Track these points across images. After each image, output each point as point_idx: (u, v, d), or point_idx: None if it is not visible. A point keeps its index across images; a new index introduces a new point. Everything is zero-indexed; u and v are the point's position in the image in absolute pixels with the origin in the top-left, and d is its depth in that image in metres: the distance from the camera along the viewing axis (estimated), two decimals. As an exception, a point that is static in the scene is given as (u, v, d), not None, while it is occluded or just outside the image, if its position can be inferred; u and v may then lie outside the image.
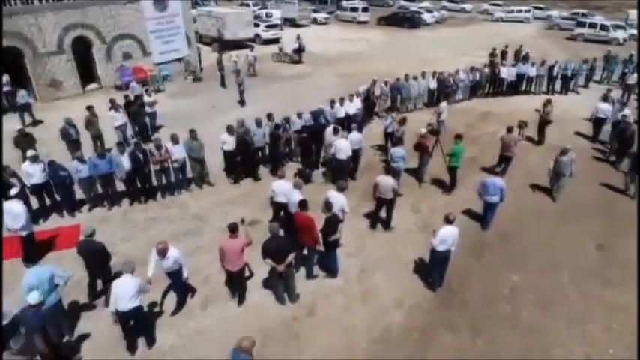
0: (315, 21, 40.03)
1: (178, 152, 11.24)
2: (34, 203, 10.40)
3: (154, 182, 11.45)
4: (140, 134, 14.58)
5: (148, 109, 15.09)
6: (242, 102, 18.09)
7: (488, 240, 9.91)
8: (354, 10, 41.68)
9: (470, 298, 8.27)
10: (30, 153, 10.19)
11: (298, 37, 26.30)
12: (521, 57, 22.00)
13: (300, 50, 25.68)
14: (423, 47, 30.22)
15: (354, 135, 11.90)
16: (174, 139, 11.18)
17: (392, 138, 12.82)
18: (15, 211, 8.55)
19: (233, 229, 7.38)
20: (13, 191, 8.89)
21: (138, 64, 20.31)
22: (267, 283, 8.41)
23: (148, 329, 7.38)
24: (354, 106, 14.65)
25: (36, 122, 15.85)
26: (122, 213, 10.85)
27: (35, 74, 18.18)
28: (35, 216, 10.21)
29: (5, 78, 16.73)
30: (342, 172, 11.35)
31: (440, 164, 12.19)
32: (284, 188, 9.36)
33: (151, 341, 7.26)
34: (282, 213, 9.62)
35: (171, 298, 8.08)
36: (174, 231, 10.02)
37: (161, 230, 10.01)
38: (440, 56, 26.27)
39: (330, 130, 12.12)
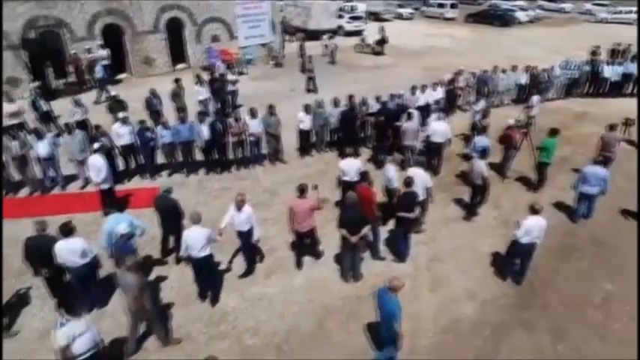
0: (399, 16, 39.30)
1: (255, 126, 11.41)
2: (121, 165, 11.10)
3: (230, 155, 11.76)
4: (221, 110, 15.00)
5: (230, 86, 15.58)
6: (310, 89, 17.91)
7: (579, 243, 8.93)
8: (441, 6, 40.26)
9: (553, 300, 7.46)
10: (120, 115, 10.83)
11: (382, 29, 25.86)
12: (629, 56, 19.78)
13: (382, 42, 25.22)
14: (513, 45, 28.41)
15: (440, 125, 11.31)
16: (253, 113, 11.36)
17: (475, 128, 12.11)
18: (97, 164, 9.13)
19: (302, 190, 7.55)
20: (96, 145, 9.47)
21: (224, 47, 21.01)
22: (332, 259, 8.25)
23: (214, 286, 7.51)
24: (435, 95, 14.01)
25: (110, 97, 16.51)
26: (198, 180, 11.21)
27: (132, 51, 19.46)
28: (120, 176, 10.86)
29: (106, 52, 18.05)
30: (435, 155, 11.11)
31: (526, 161, 11.26)
32: (353, 166, 9.12)
33: (214, 299, 7.36)
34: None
35: (239, 263, 8.16)
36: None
37: (233, 199, 10.13)
38: (532, 55, 24.45)
39: (409, 115, 11.63)
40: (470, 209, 9.66)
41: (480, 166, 8.98)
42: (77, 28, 17.77)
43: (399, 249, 8.29)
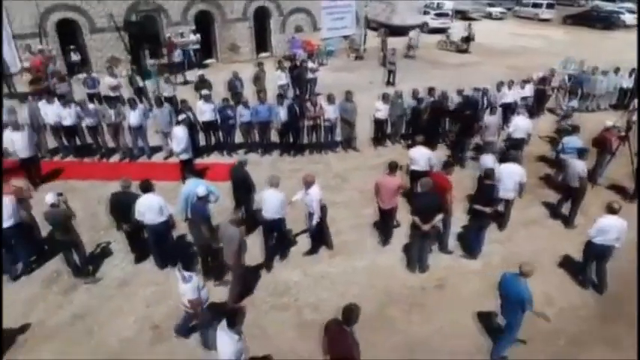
0: (489, 15, 37.52)
1: (332, 112, 11.46)
2: (202, 140, 11.66)
3: (305, 138, 11.91)
4: (299, 96, 15.22)
5: (309, 74, 15.76)
6: (389, 83, 17.65)
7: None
8: (536, 6, 37.80)
9: (644, 317, 6.72)
10: (203, 92, 11.37)
11: (469, 26, 24.84)
12: None
13: (468, 39, 24.22)
14: (616, 49, 25.94)
15: (522, 120, 10.65)
16: (330, 99, 11.42)
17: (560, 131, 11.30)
18: (178, 135, 9.64)
19: (392, 168, 7.55)
20: (180, 117, 10.00)
21: (307, 37, 21.32)
22: (399, 247, 8.07)
23: (281, 250, 7.81)
24: (523, 93, 13.19)
25: (186, 82, 17.06)
26: (272, 161, 11.47)
27: (220, 37, 20.37)
28: (200, 150, 11.41)
29: (197, 37, 19.06)
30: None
31: (622, 169, 10.28)
32: (424, 155, 8.88)
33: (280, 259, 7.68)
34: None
35: (305, 241, 8.24)
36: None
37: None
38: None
39: (492, 110, 11.06)
40: (555, 212, 8.99)
41: (577, 166, 8.33)
42: (173, 14, 18.93)
43: (471, 244, 7.90)
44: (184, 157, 9.78)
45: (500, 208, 8.40)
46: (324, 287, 7.28)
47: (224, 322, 4.63)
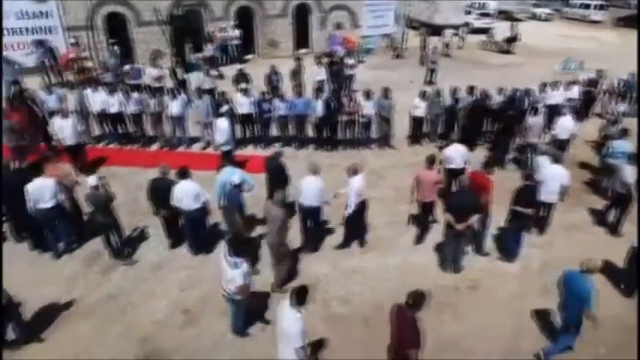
0: (534, 16, 36.34)
1: (369, 108, 11.36)
2: (239, 132, 11.78)
3: (341, 134, 11.86)
4: (336, 92, 15.18)
5: (347, 71, 15.70)
6: (430, 82, 17.32)
7: None
8: (586, 7, 36.33)
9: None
10: (242, 85, 11.50)
11: (513, 26, 24.13)
12: None
13: (513, 40, 23.53)
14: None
15: (567, 121, 10.22)
16: (368, 95, 11.32)
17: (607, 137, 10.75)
18: (221, 126, 9.81)
19: (431, 161, 7.55)
20: (224, 108, 10.13)
21: (346, 35, 21.24)
22: (433, 246, 7.93)
23: (316, 238, 7.83)
24: (569, 95, 12.65)
25: (220, 75, 16.98)
26: (307, 155, 11.47)
27: (261, 33, 20.60)
28: (237, 142, 11.54)
29: (238, 32, 19.34)
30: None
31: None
32: (460, 152, 8.71)
33: (314, 249, 7.75)
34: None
35: (337, 235, 8.21)
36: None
37: (337, 176, 10.14)
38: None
39: (535, 110, 10.64)
40: (600, 218, 8.58)
41: (627, 172, 7.93)
42: (216, 9, 19.28)
43: (509, 246, 7.63)
44: (225, 148, 9.93)
45: (542, 211, 8.10)
46: (356, 281, 7.22)
47: (287, 301, 4.67)
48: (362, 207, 7.66)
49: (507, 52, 23.44)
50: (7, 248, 7.46)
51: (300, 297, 4.62)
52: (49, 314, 6.42)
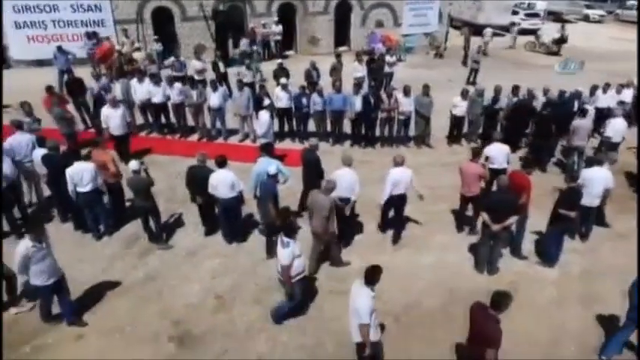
0: (586, 18, 34.82)
1: (407, 105, 11.22)
2: (277, 126, 11.81)
3: (377, 130, 11.75)
4: (375, 89, 15.07)
5: (387, 68, 15.57)
6: (471, 82, 16.85)
7: None
8: (642, 8, 34.51)
9: None
10: (282, 81, 11.58)
11: (562, 27, 23.25)
12: None
13: (561, 41, 22.65)
14: None
15: (620, 123, 9.76)
16: (406, 91, 11.18)
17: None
18: (263, 119, 9.96)
19: (475, 153, 7.64)
20: (267, 102, 10.31)
21: (386, 33, 21.05)
22: (467, 246, 7.76)
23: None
24: (620, 98, 12.05)
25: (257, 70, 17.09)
26: (342, 150, 11.40)
27: (301, 29, 20.72)
28: (276, 136, 11.64)
29: (279, 29, 19.53)
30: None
31: None
32: (502, 151, 8.48)
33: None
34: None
35: (369, 230, 8.20)
36: (382, 176, 9.85)
37: (373, 171, 10.09)
38: None
39: (583, 112, 10.24)
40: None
41: None
42: (258, 5, 19.54)
43: (549, 251, 7.35)
44: (265, 140, 10.04)
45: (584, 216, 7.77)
46: (386, 278, 7.04)
47: (360, 280, 4.83)
48: (401, 201, 7.65)
49: (555, 53, 22.57)
50: (53, 228, 7.83)
51: (373, 276, 4.79)
52: (90, 291, 6.69)
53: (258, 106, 11.00)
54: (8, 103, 13.72)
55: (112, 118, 9.97)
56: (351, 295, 4.96)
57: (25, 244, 5.45)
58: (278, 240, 5.71)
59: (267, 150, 9.88)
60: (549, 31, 25.08)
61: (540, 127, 10.67)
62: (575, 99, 11.46)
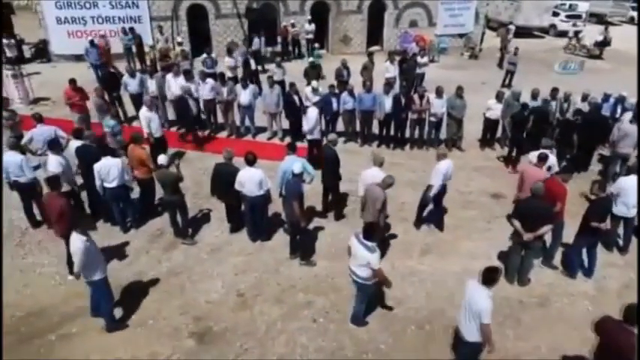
0: (631, 20, 33.34)
1: (439, 106, 10.96)
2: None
3: (407, 132, 11.52)
4: (406, 89, 14.82)
5: (418, 69, 15.26)
6: (506, 85, 16.34)
7: None
8: (694, 11, 32.79)
9: None
10: (313, 83, 11.49)
11: (606, 29, 22.28)
12: None
13: (604, 44, 21.72)
14: None
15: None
16: (439, 92, 10.92)
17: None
18: (310, 115, 9.94)
19: (542, 159, 7.37)
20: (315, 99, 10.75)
21: (420, 33, 20.70)
22: (496, 254, 7.52)
23: None
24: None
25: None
26: (370, 152, 11.25)
27: (333, 28, 20.61)
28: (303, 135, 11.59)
29: (312, 27, 19.48)
30: None
31: None
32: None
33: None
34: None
35: (397, 231, 8.09)
36: (411, 179, 9.83)
37: (400, 174, 9.78)
38: None
39: (626, 117, 9.72)
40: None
41: None
42: (291, 3, 19.56)
43: (570, 261, 7.05)
44: (311, 137, 10.05)
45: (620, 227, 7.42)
46: (411, 284, 6.96)
47: (474, 281, 4.88)
48: (444, 190, 7.74)
49: (596, 57, 21.71)
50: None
51: (491, 276, 4.77)
52: (115, 284, 6.74)
53: (286, 104, 10.97)
54: (47, 96, 14.24)
55: (153, 120, 9.63)
56: (465, 296, 4.92)
57: (80, 239, 5.39)
58: (356, 243, 5.55)
59: (311, 148, 9.94)
60: (590, 34, 24.11)
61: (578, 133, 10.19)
62: (619, 104, 10.93)
